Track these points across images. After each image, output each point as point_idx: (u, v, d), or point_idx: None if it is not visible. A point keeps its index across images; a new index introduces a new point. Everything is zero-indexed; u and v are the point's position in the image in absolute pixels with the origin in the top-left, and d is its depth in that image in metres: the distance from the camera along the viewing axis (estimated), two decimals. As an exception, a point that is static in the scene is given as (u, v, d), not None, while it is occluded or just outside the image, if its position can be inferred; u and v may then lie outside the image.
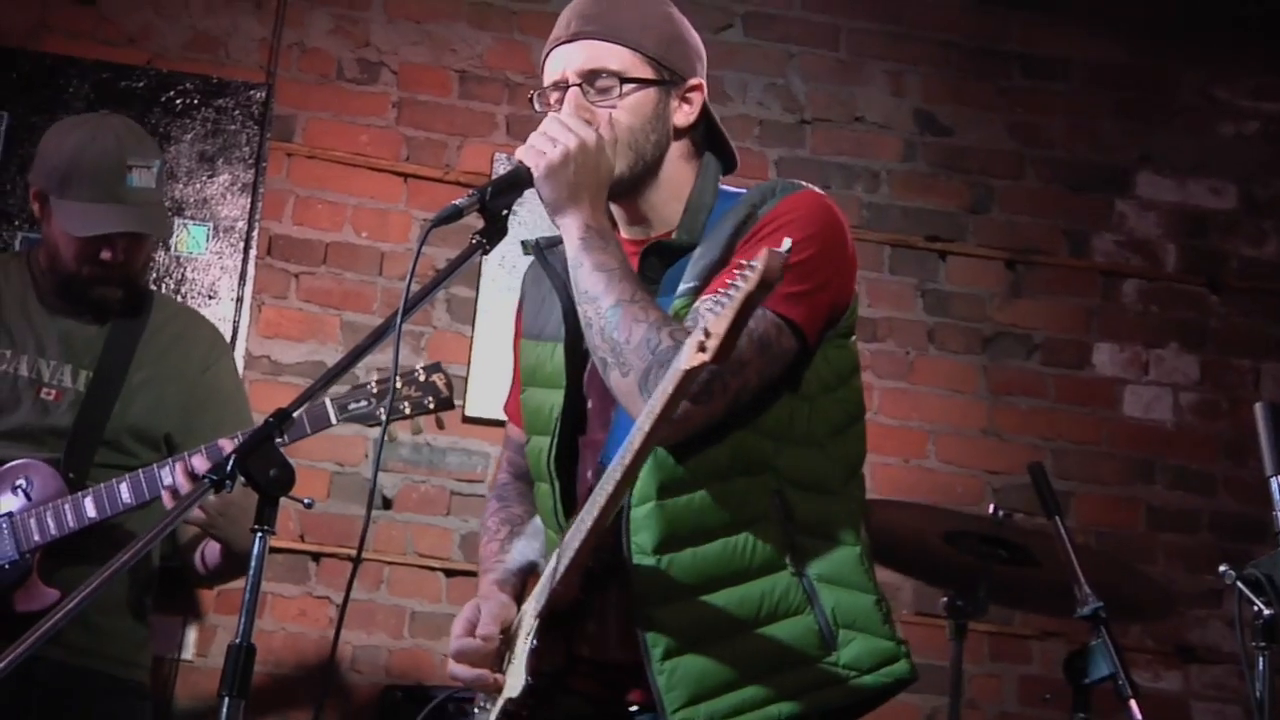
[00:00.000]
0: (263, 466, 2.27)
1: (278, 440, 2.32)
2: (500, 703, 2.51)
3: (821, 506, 2.53)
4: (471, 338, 4.87)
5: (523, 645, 2.49)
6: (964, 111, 5.34)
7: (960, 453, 5.10)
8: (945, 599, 3.77)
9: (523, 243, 2.81)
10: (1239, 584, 3.12)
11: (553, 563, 2.49)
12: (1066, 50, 5.42)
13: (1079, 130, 5.38)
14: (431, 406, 3.46)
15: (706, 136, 2.76)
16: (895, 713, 4.98)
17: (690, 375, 2.13)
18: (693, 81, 2.72)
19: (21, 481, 3.48)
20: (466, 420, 4.78)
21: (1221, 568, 3.15)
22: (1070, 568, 3.28)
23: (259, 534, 2.28)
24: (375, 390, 3.43)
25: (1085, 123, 5.39)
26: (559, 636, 2.50)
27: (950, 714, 3.83)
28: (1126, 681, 3.11)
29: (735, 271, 2.09)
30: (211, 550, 3.67)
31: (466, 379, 4.82)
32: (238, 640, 2.24)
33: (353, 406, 3.44)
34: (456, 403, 4.38)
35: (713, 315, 2.08)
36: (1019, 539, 3.70)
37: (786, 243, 2.08)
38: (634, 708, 2.53)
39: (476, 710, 2.61)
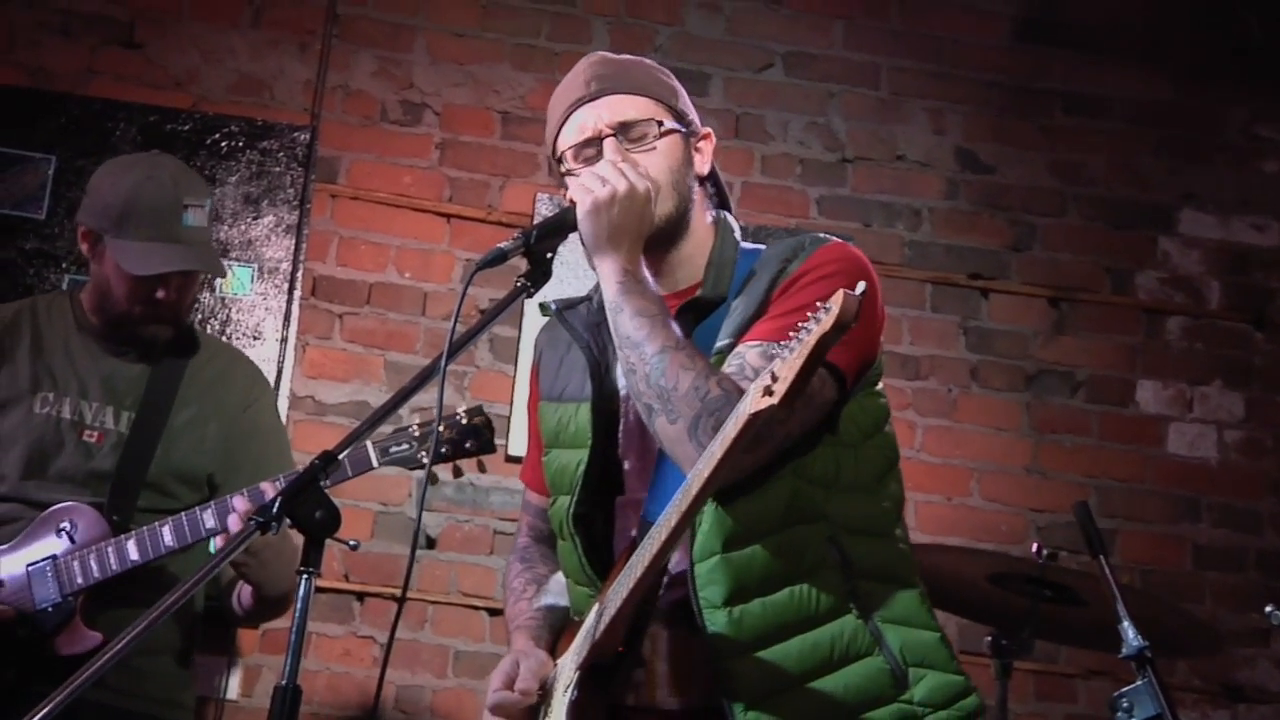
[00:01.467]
0: (308, 509, 2.28)
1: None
2: None
3: (876, 550, 2.55)
4: (514, 377, 4.88)
5: (561, 698, 2.49)
6: (1005, 149, 5.34)
7: (1004, 490, 5.08)
8: (990, 638, 3.75)
9: (541, 305, 2.82)
10: (1286, 624, 3.10)
11: (593, 616, 2.50)
12: (1108, 88, 5.42)
13: (1121, 168, 5.37)
14: (473, 450, 3.46)
15: (715, 190, 2.80)
16: (940, 753, 4.93)
17: (755, 419, 2.11)
18: (704, 130, 2.78)
19: (66, 524, 3.50)
20: (510, 459, 4.79)
21: (1268, 608, 3.13)
22: (1115, 607, 3.27)
23: (304, 575, 2.28)
24: (417, 434, 3.44)
25: (1127, 160, 5.38)
26: (599, 689, 2.49)
27: (996, 754, 3.81)
28: (1174, 722, 3.08)
29: (808, 314, 2.08)
30: (245, 593, 3.68)
31: (509, 418, 4.83)
32: (283, 682, 2.24)
33: (394, 450, 3.44)
34: (499, 443, 4.40)
35: (780, 360, 2.07)
36: (1064, 578, 3.68)
37: (861, 285, 2.07)
38: None
39: None
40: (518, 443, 4.78)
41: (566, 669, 2.54)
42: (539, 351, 2.90)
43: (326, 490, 2.36)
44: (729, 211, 2.79)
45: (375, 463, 3.44)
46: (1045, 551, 3.63)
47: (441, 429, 3.43)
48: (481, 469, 3.55)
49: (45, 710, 2.07)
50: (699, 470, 2.22)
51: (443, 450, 3.43)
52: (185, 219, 3.60)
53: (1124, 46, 5.45)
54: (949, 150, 5.33)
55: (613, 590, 2.45)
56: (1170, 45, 5.47)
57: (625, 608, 2.40)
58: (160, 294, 3.59)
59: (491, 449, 3.48)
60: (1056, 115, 5.39)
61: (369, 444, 3.42)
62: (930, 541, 4.84)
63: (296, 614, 2.26)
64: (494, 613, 4.75)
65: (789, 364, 2.05)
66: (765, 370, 2.09)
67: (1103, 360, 5.22)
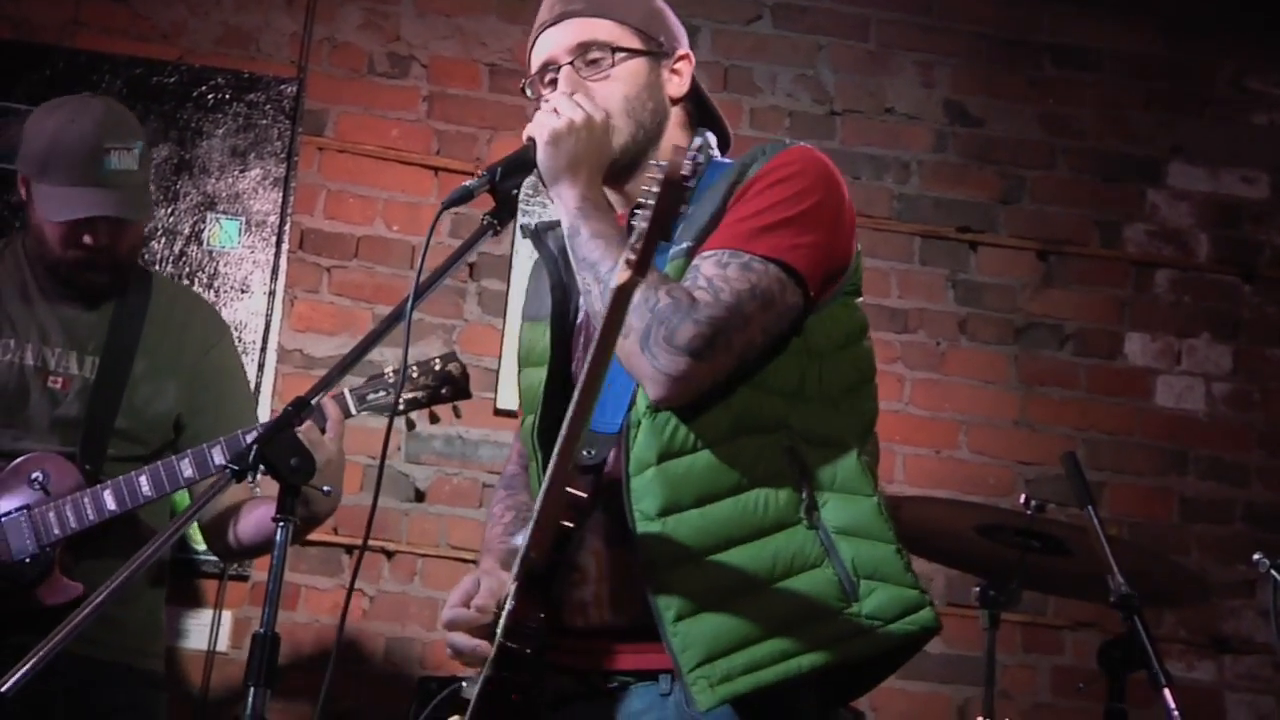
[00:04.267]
0: (283, 455, 2.26)
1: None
2: (483, 674, 2.46)
3: (837, 461, 2.48)
4: (503, 330, 4.88)
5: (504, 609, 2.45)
6: (994, 102, 5.33)
7: (992, 443, 5.09)
8: (978, 589, 3.77)
9: (522, 227, 2.83)
10: (1273, 573, 3.12)
11: (529, 526, 2.45)
12: (1098, 40, 5.40)
13: (1110, 120, 5.37)
14: (448, 395, 3.46)
15: (700, 112, 2.77)
16: (928, 702, 5.01)
17: (622, 291, 2.10)
18: (680, 52, 2.74)
19: (38, 475, 3.47)
20: (498, 413, 4.79)
21: (1255, 556, 3.15)
22: (1103, 558, 3.28)
23: (281, 524, 2.27)
24: (393, 380, 3.44)
25: (1117, 113, 5.37)
26: (536, 599, 2.42)
27: (984, 705, 3.83)
28: (1160, 671, 3.10)
29: (648, 176, 2.08)
30: (246, 523, 3.63)
31: (498, 371, 4.84)
32: (262, 630, 2.24)
33: (371, 397, 3.44)
34: (487, 396, 4.39)
35: (638, 232, 2.07)
36: (1052, 530, 3.69)
37: (697, 140, 2.10)
38: (615, 682, 2.49)
39: (464, 684, 2.53)
40: (506, 396, 4.79)
41: (510, 583, 2.49)
42: (530, 276, 2.90)
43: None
44: (718, 129, 2.77)
45: (354, 410, 3.44)
46: (1034, 503, 3.64)
47: (416, 375, 3.44)
48: (457, 414, 3.54)
49: (31, 664, 2.06)
50: (590, 357, 2.19)
51: (419, 397, 3.44)
52: (108, 162, 3.53)
53: (1113, -1, 5.45)
54: (938, 103, 5.31)
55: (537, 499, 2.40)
56: (1160, -3, 5.46)
57: (545, 511, 2.34)
58: (89, 239, 3.53)
59: (467, 394, 3.48)
60: (1046, 68, 5.38)
61: (346, 392, 3.42)
62: (918, 494, 4.86)
63: (275, 561, 2.26)
64: (483, 565, 4.76)
65: (639, 231, 2.06)
66: (628, 243, 2.10)
67: (1091, 313, 5.23)
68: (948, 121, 5.30)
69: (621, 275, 2.09)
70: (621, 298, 2.12)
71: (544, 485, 2.33)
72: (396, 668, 4.71)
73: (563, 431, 2.26)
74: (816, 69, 5.28)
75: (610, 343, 2.18)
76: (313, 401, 2.34)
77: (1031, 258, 5.24)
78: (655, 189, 2.06)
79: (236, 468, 2.22)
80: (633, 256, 2.07)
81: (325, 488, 3.13)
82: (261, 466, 2.25)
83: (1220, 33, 5.45)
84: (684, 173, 2.05)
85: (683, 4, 5.27)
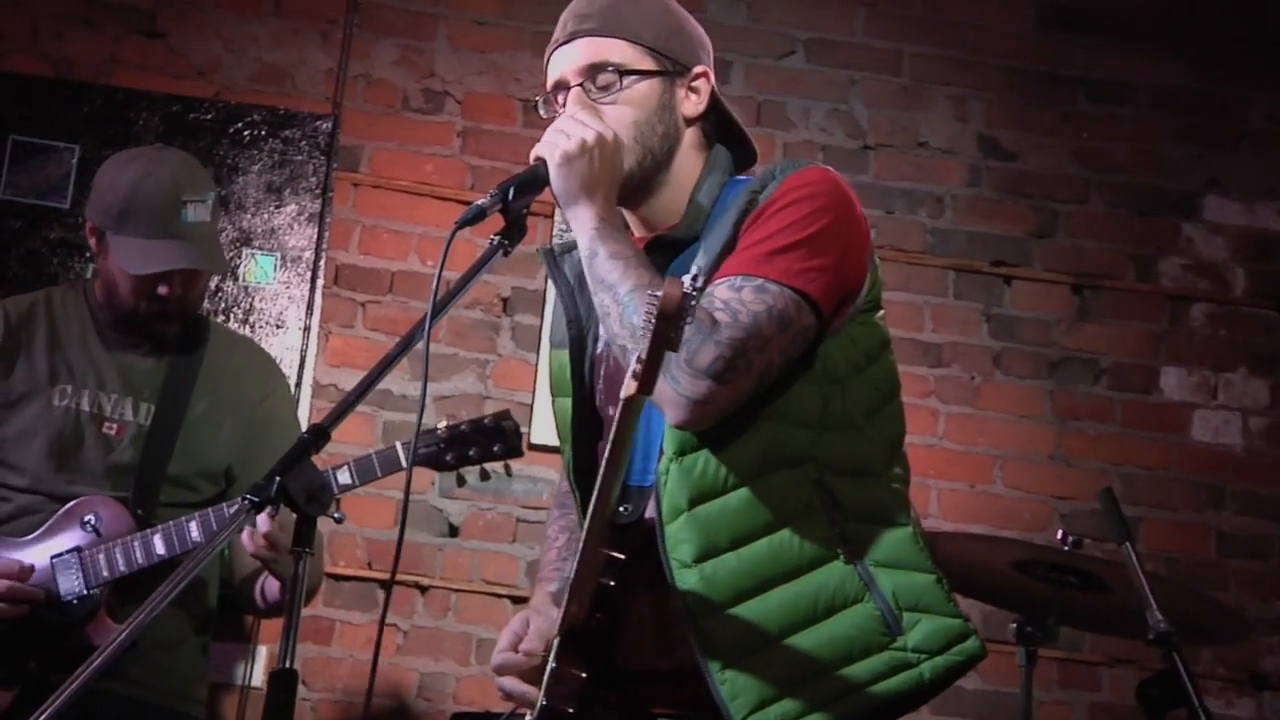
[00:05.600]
0: (300, 486, 2.24)
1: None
2: None
3: (867, 490, 2.47)
4: (536, 365, 4.88)
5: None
6: (1028, 136, 5.32)
7: (1027, 478, 5.07)
8: (1014, 625, 3.75)
9: (538, 250, 2.82)
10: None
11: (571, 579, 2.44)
12: (1131, 74, 5.39)
13: (1145, 154, 5.35)
14: (500, 454, 3.49)
15: (720, 128, 2.73)
16: (966, 740, 4.95)
17: (630, 402, 2.09)
18: (697, 70, 2.70)
19: (90, 517, 3.51)
20: (532, 448, 4.79)
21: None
22: (1141, 594, 3.26)
23: (299, 555, 2.27)
24: (444, 435, 3.47)
25: (1151, 147, 5.36)
26: (579, 654, 2.41)
27: (1020, 742, 3.81)
28: (1200, 709, 3.08)
29: (647, 303, 2.06)
30: (271, 586, 3.67)
31: (531, 406, 4.84)
32: (280, 666, 2.23)
33: (422, 451, 3.47)
34: (521, 430, 4.37)
35: (641, 349, 2.07)
36: (1089, 565, 3.68)
37: (688, 277, 2.04)
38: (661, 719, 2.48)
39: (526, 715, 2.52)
40: (540, 431, 4.78)
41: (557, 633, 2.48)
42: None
43: (353, 489, 2.31)
44: (739, 142, 2.74)
45: (404, 463, 3.46)
46: (1070, 538, 3.62)
47: (468, 432, 3.47)
48: (508, 472, 3.57)
49: (60, 701, 2.06)
50: (607, 458, 2.18)
51: (472, 454, 3.46)
52: (184, 215, 3.59)
53: (1147, 32, 5.43)
54: (971, 137, 5.31)
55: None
56: (1193, 31, 5.44)
57: (583, 572, 2.32)
58: (163, 290, 3.59)
59: (519, 453, 3.52)
60: (1079, 101, 5.37)
61: (398, 445, 3.46)
62: (953, 529, 4.84)
63: (292, 595, 2.26)
64: (517, 600, 4.76)
65: (642, 354, 2.06)
66: (634, 356, 2.09)
67: (1126, 347, 5.21)
68: (981, 156, 5.29)
69: (629, 387, 2.09)
70: (629, 408, 2.11)
71: (579, 554, 2.30)
72: (430, 703, 4.70)
73: (587, 523, 2.26)
74: (850, 103, 5.28)
75: (622, 444, 2.16)
76: (330, 431, 2.31)
77: (1066, 292, 5.22)
78: (654, 313, 2.04)
79: (256, 499, 2.20)
80: (638, 369, 2.07)
81: (336, 515, 3.15)
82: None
83: (1254, 66, 5.43)
84: (672, 309, 2.01)
85: (715, 39, 5.29)
